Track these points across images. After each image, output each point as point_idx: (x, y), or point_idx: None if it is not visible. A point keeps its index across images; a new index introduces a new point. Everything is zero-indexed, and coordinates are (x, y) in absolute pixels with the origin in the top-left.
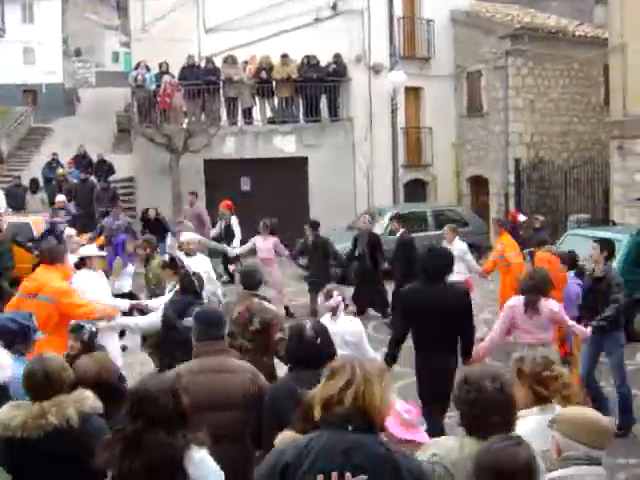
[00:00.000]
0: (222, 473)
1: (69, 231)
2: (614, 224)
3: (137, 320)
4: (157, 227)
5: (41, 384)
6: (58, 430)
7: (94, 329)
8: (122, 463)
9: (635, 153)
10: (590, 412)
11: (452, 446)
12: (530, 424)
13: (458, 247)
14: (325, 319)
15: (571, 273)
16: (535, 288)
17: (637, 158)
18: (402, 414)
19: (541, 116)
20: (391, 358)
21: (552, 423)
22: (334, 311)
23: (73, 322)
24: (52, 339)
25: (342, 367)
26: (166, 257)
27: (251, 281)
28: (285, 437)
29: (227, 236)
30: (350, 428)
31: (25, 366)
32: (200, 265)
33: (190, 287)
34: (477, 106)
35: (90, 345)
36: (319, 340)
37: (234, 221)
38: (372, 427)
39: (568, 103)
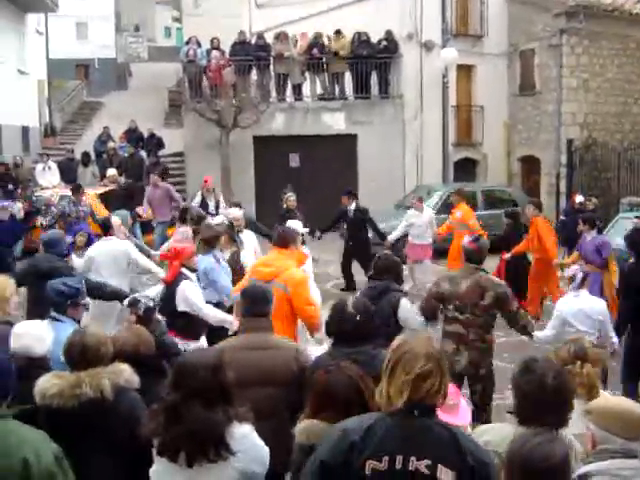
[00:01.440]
0: (267, 449)
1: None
2: None
3: None
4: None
5: (78, 357)
6: (92, 401)
7: (151, 304)
8: (165, 433)
9: None
10: (626, 402)
11: (506, 435)
12: None
13: (428, 214)
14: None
15: None
16: None
17: None
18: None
19: (595, 96)
20: None
21: (587, 414)
22: (579, 285)
23: (131, 296)
24: (282, 328)
25: (433, 365)
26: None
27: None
28: (309, 426)
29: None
30: (416, 413)
31: (67, 337)
32: (248, 241)
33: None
34: (530, 85)
35: (146, 319)
36: (359, 317)
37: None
38: (434, 410)
39: (623, 83)
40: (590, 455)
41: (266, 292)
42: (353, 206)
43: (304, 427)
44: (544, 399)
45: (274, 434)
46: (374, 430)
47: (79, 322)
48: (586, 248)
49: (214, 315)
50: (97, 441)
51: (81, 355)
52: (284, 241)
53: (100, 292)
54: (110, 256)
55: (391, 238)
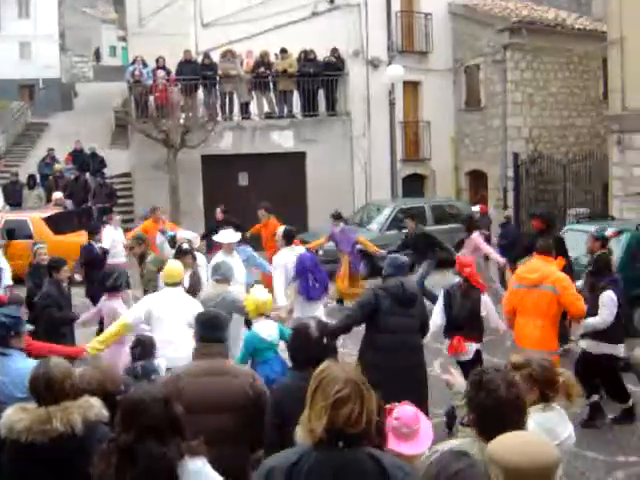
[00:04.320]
0: None
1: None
2: (613, 219)
3: None
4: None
5: (44, 390)
6: (62, 436)
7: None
8: (118, 476)
9: (634, 147)
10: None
11: (468, 449)
12: (530, 424)
13: None
14: None
15: None
16: None
17: (636, 152)
18: (392, 422)
19: (540, 110)
20: None
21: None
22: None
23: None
24: (549, 328)
25: (351, 392)
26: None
27: None
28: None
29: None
30: (340, 444)
31: (31, 370)
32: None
33: None
34: (476, 100)
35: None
36: (324, 340)
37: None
38: (362, 441)
39: (567, 97)
40: None
41: (220, 318)
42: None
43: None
44: (501, 412)
45: (231, 460)
46: (299, 467)
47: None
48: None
49: None
50: (66, 477)
51: (47, 389)
52: (545, 251)
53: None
54: None
55: None
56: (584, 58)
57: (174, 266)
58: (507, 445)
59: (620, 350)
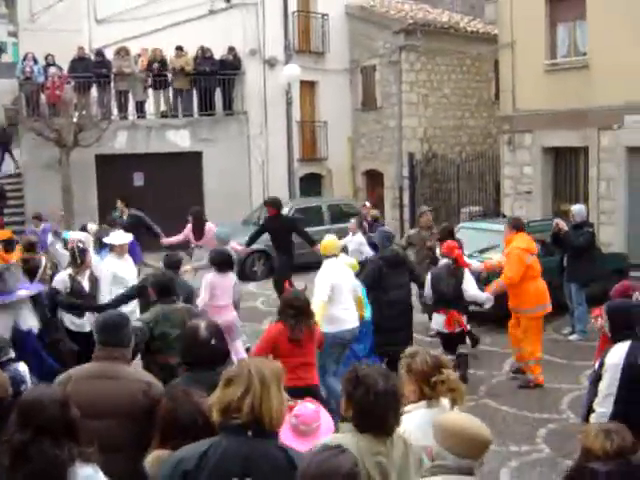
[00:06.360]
0: None
1: None
2: (504, 217)
3: None
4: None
5: None
6: None
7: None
8: (9, 476)
9: (524, 147)
10: (465, 420)
11: (348, 444)
12: (416, 419)
13: (357, 240)
14: None
15: None
16: None
17: (525, 152)
18: (291, 419)
19: (434, 111)
20: None
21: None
22: None
23: None
24: None
25: (239, 374)
26: None
27: None
28: (158, 456)
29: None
30: (249, 434)
31: None
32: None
33: None
34: (372, 100)
35: None
36: (214, 340)
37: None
38: (270, 432)
39: (460, 98)
40: (426, 470)
41: (118, 321)
42: None
43: (153, 457)
44: (382, 404)
45: (122, 468)
46: (210, 454)
47: None
48: None
49: None
50: None
51: None
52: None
53: None
54: None
55: None
56: (477, 60)
57: (331, 239)
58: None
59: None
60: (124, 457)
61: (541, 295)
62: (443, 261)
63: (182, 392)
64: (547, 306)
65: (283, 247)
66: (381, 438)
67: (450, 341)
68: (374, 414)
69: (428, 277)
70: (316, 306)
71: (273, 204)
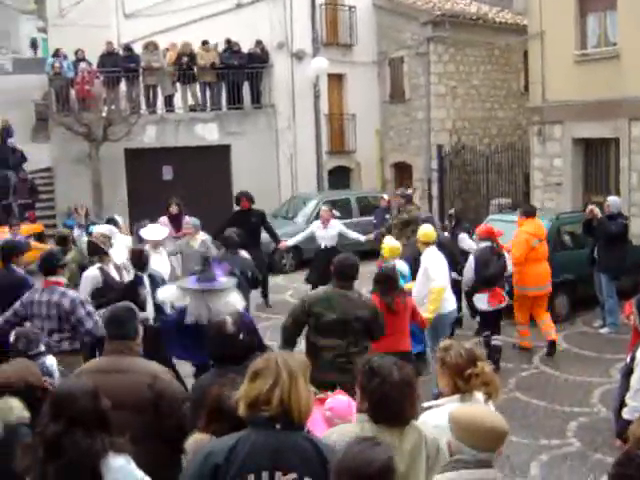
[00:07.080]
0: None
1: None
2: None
3: None
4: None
5: None
6: None
7: None
8: (42, 468)
9: (553, 138)
10: (480, 413)
11: (352, 432)
12: (446, 414)
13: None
14: None
15: None
16: None
17: (555, 143)
18: (326, 412)
19: (463, 102)
20: None
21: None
22: None
23: None
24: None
25: (266, 367)
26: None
27: None
28: (197, 439)
29: None
30: (278, 427)
31: None
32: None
33: None
34: (400, 92)
35: None
36: (241, 335)
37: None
38: (298, 424)
39: (489, 89)
40: (445, 465)
41: (123, 314)
42: None
43: (194, 438)
44: (394, 396)
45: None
46: (239, 447)
47: None
48: None
49: None
50: None
51: None
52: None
53: None
54: None
55: None
56: (505, 51)
57: (428, 229)
58: (472, 409)
59: None
60: (143, 449)
61: (541, 277)
62: (481, 244)
63: (231, 379)
64: (545, 287)
65: (253, 241)
66: (394, 429)
67: (488, 320)
68: (389, 404)
69: (471, 261)
70: (437, 291)
71: (247, 197)
